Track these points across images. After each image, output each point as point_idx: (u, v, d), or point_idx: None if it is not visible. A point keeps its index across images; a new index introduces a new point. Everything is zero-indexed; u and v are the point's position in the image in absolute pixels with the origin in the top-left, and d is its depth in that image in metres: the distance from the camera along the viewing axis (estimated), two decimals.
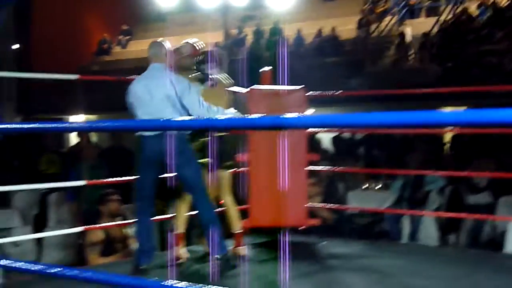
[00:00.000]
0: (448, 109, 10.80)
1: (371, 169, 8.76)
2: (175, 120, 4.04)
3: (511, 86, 6.89)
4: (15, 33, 18.37)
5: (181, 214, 5.02)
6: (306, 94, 5.72)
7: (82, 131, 7.53)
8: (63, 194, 7.50)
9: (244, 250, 5.14)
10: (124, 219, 6.18)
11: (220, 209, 5.16)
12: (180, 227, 5.07)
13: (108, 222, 6.02)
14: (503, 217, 6.81)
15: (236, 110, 5.95)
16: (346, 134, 11.07)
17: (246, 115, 5.97)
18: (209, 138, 5.06)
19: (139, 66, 6.72)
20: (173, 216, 5.10)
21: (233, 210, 5.23)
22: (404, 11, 17.14)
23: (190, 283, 2.06)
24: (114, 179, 6.00)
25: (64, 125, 5.56)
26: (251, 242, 5.68)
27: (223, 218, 5.16)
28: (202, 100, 4.57)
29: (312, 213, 6.91)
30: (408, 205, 7.88)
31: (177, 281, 2.08)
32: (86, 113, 16.65)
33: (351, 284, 4.47)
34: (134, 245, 6.07)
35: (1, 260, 2.82)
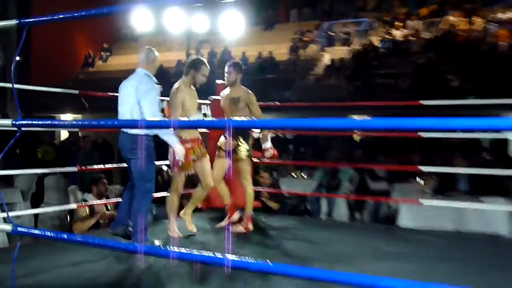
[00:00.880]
0: (356, 117, 11.03)
1: (299, 162, 8.85)
2: (134, 120, 3.96)
3: (403, 102, 7.08)
4: (17, 48, 17.85)
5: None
6: None
7: (72, 127, 7.42)
8: (57, 177, 7.34)
9: (241, 229, 4.97)
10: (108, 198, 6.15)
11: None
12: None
13: (96, 200, 5.99)
14: (396, 199, 6.93)
15: (204, 113, 6.00)
16: (281, 134, 11.15)
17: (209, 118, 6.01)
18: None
19: (117, 77, 6.62)
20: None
21: (249, 196, 5.04)
22: (324, 40, 17.33)
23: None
24: (101, 166, 5.97)
25: (61, 122, 5.54)
26: (208, 217, 5.71)
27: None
28: (155, 108, 4.07)
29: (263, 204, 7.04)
30: (326, 189, 7.92)
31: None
32: (74, 113, 16.37)
33: (282, 249, 4.49)
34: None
35: (17, 227, 2.85)
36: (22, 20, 2.52)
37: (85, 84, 15.17)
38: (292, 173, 8.49)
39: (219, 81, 6.00)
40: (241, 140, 4.93)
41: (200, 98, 4.99)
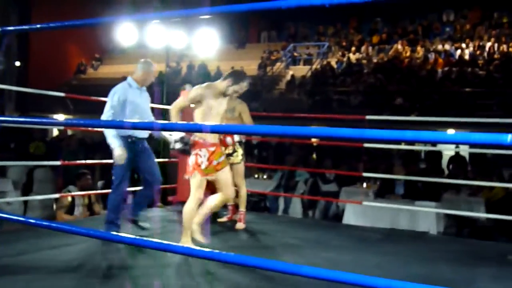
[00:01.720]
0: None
1: (261, 165, 8.91)
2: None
3: (354, 116, 7.21)
4: (17, 54, 17.68)
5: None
6: None
7: (62, 126, 7.33)
8: (46, 170, 7.23)
9: (242, 225, 4.85)
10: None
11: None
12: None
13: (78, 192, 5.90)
14: (343, 200, 7.01)
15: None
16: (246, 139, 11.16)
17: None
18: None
19: (105, 84, 6.57)
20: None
21: (244, 195, 4.89)
22: (289, 59, 17.48)
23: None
24: (84, 161, 5.89)
25: (50, 121, 5.48)
26: (177, 210, 5.69)
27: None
28: (108, 110, 4.01)
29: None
30: (284, 189, 8.02)
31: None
32: (65, 113, 16.18)
33: (242, 240, 4.52)
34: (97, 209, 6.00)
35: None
36: (4, 29, 2.49)
37: (77, 89, 15.00)
38: (255, 175, 8.55)
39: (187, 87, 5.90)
40: (238, 145, 4.89)
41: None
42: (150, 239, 2.14)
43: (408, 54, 15.41)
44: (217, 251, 1.95)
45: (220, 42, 11.86)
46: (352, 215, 6.48)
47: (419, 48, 15.58)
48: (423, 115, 10.50)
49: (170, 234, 4.35)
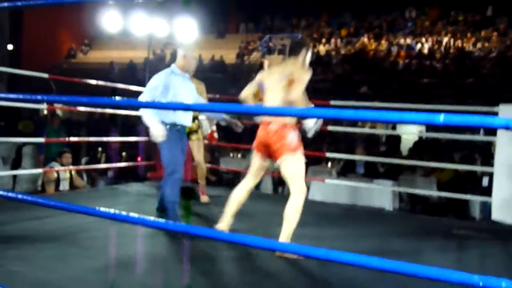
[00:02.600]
0: None
1: (236, 144, 8.85)
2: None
3: (320, 101, 7.18)
4: (10, 37, 17.11)
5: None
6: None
7: (49, 103, 7.08)
8: (33, 147, 7.04)
9: (206, 198, 4.85)
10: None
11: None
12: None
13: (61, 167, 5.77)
14: (308, 178, 7.01)
15: None
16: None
17: None
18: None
19: (94, 68, 6.41)
20: None
21: (201, 169, 4.84)
22: (265, 49, 17.34)
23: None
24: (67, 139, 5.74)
25: (35, 97, 5.28)
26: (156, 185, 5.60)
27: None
28: (144, 92, 3.63)
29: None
30: None
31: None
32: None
33: (216, 214, 4.47)
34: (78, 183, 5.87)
35: None
36: None
37: (67, 72, 14.60)
38: (230, 153, 8.50)
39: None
40: (200, 122, 4.82)
41: None
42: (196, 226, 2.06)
43: (373, 47, 15.43)
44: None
45: (201, 32, 11.67)
46: (317, 192, 6.48)
47: (383, 41, 15.60)
48: (384, 102, 10.55)
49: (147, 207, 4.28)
